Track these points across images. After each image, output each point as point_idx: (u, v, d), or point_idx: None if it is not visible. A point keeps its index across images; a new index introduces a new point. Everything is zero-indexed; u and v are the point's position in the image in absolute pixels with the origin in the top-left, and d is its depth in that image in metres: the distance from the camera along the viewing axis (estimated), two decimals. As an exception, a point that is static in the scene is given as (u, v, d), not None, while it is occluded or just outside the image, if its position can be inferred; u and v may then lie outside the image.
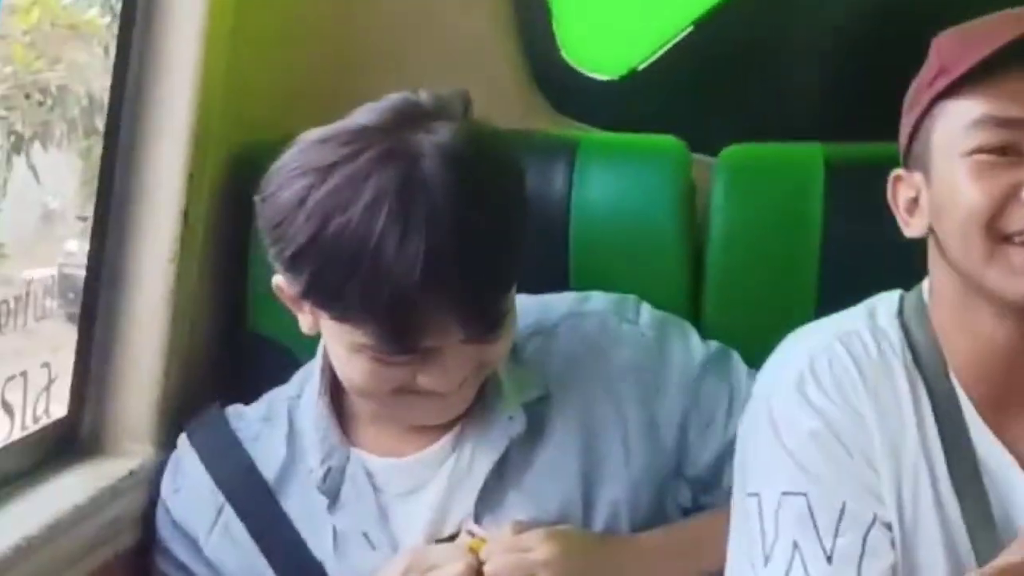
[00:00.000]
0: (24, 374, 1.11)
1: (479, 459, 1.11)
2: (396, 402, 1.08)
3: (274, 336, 1.24)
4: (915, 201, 1.04)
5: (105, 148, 1.16)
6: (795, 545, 1.02)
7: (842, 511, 1.02)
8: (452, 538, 1.08)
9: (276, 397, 1.18)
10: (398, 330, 1.00)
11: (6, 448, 1.10)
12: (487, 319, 1.03)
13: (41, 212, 1.39)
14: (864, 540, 1.00)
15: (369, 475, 1.12)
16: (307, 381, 1.15)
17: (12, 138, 1.29)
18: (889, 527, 1.01)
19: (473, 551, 1.05)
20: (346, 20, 1.42)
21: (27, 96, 1.29)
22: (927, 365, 1.06)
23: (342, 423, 1.13)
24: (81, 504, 1.08)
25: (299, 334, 1.09)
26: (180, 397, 1.19)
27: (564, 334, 1.18)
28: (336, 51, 1.36)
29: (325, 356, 1.10)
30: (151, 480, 1.14)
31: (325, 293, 1.01)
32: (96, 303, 1.16)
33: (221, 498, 1.11)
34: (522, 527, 1.05)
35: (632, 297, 1.22)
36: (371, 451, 1.13)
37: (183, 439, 1.13)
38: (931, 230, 1.03)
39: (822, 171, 1.33)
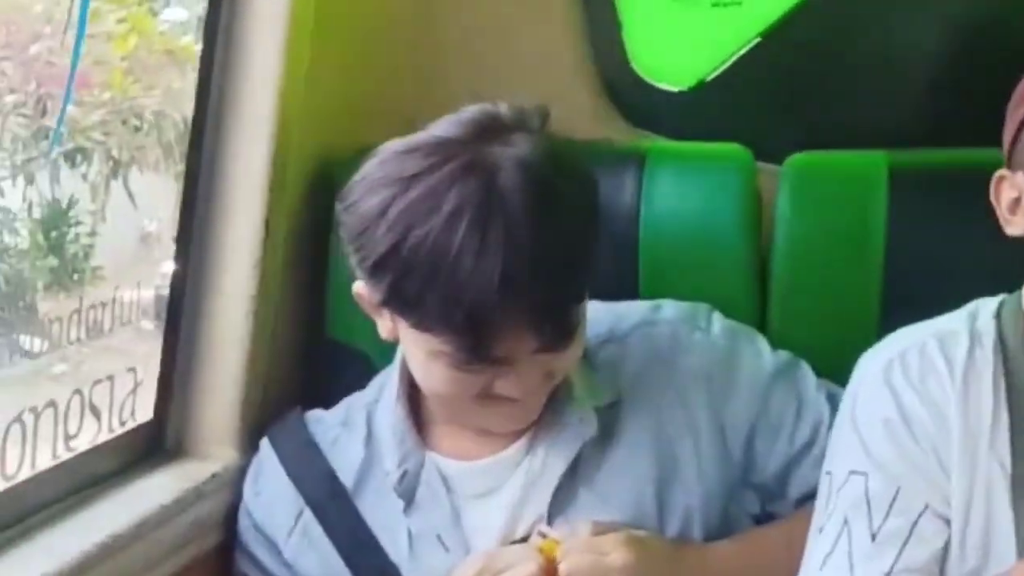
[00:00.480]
0: (111, 378, 1.14)
1: (552, 461, 1.12)
2: (471, 409, 1.09)
3: (353, 343, 1.27)
4: (1017, 201, 1.04)
5: (188, 162, 1.19)
6: (845, 521, 1.04)
7: (895, 495, 1.03)
8: (525, 540, 1.09)
9: (354, 402, 1.20)
10: (474, 340, 1.02)
11: (96, 450, 1.13)
12: (560, 330, 1.05)
13: (139, 235, 1.42)
14: (913, 526, 1.02)
15: (444, 478, 1.14)
16: (384, 387, 1.17)
17: (110, 163, 1.33)
18: (946, 519, 1.02)
19: (545, 552, 1.05)
20: (422, 32, 1.44)
21: (124, 122, 1.33)
22: (1014, 361, 1.06)
23: (418, 427, 1.15)
24: (166, 505, 1.11)
25: (377, 341, 1.12)
26: (262, 402, 1.21)
27: (636, 342, 1.19)
28: (412, 63, 1.39)
29: (403, 362, 1.13)
30: (234, 482, 1.17)
31: (404, 302, 1.03)
32: (180, 310, 1.19)
33: (301, 502, 1.14)
34: (600, 528, 1.06)
35: (704, 306, 1.23)
36: (446, 455, 1.14)
37: (264, 443, 1.16)
38: None
39: (886, 178, 1.33)
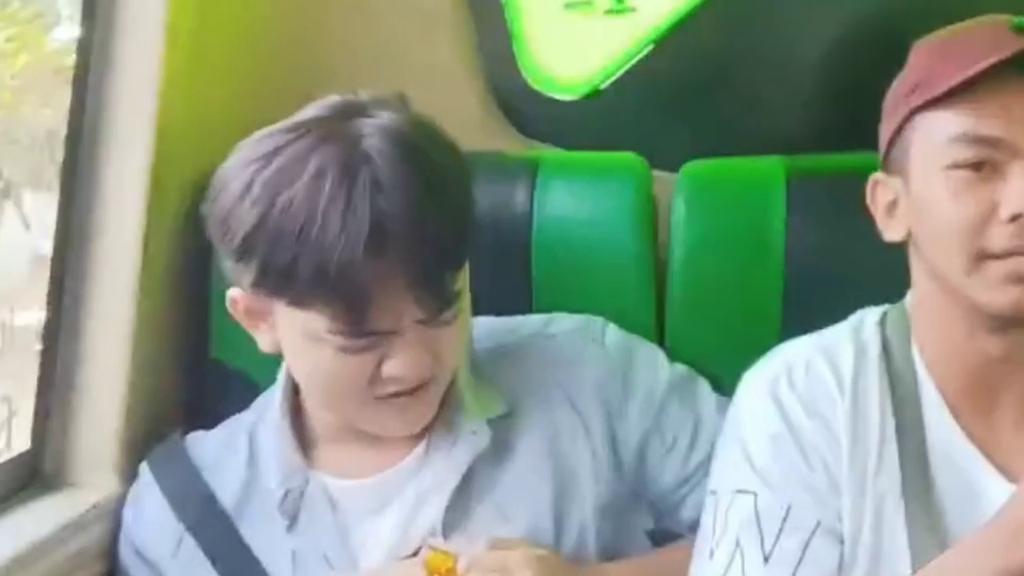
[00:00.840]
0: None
1: (444, 476, 1.12)
2: (364, 409, 1.09)
3: (237, 364, 1.26)
4: (894, 204, 1.06)
5: (63, 181, 1.16)
6: (737, 543, 1.04)
7: (787, 515, 1.04)
8: (415, 555, 1.08)
9: (236, 423, 1.20)
10: (352, 308, 1.01)
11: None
12: (439, 296, 1.05)
13: (32, 257, 1.43)
14: (805, 546, 1.03)
15: (329, 497, 1.13)
16: (267, 407, 1.17)
17: (1, 184, 1.32)
18: (839, 536, 1.03)
19: (432, 566, 1.05)
20: (306, 48, 1.44)
21: (15, 141, 1.32)
22: (898, 372, 1.08)
23: (303, 447, 1.14)
24: (45, 537, 1.09)
25: (261, 362, 1.11)
26: (144, 428, 1.19)
27: (529, 354, 1.19)
28: (296, 80, 1.37)
29: (287, 379, 1.13)
30: (115, 511, 1.15)
31: (277, 275, 1.02)
32: (58, 335, 1.16)
33: (181, 527, 1.12)
34: (499, 543, 1.05)
35: (599, 319, 1.24)
36: (332, 473, 1.14)
37: (143, 468, 1.15)
38: (910, 234, 1.05)
39: (783, 183, 1.34)
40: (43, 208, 1.38)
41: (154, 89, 1.18)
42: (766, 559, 1.03)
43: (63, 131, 1.22)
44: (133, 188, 1.17)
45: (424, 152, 1.03)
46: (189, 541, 1.13)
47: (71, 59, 1.25)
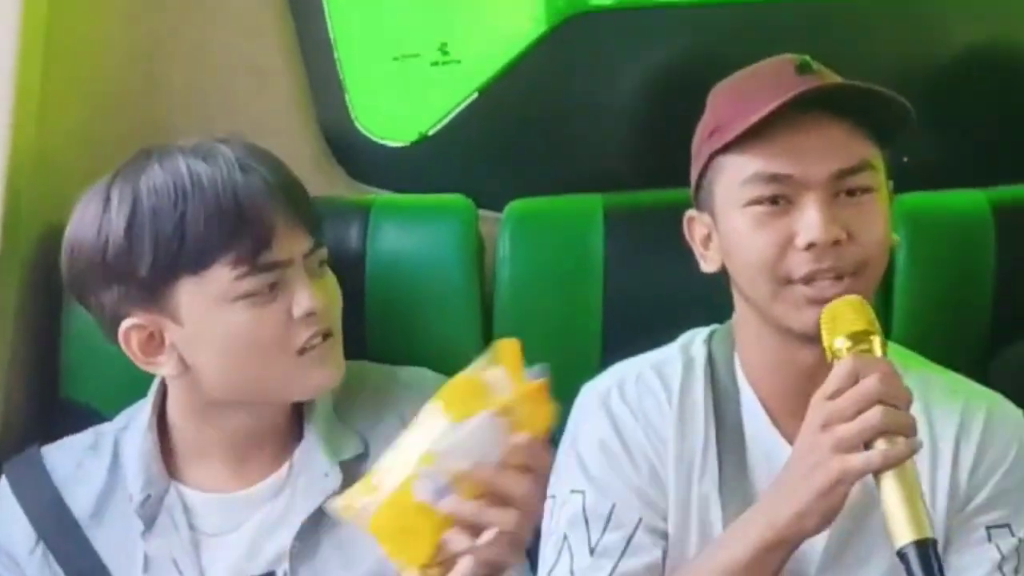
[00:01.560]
0: None
1: (296, 508, 1.22)
2: (287, 373, 1.20)
3: (85, 401, 1.36)
4: (708, 238, 1.18)
5: None
6: (565, 536, 1.15)
7: (611, 511, 1.14)
8: None
9: (103, 428, 1.29)
10: (248, 238, 1.15)
11: None
12: (313, 226, 1.21)
13: None
14: (628, 539, 1.14)
15: (186, 508, 1.23)
16: (134, 416, 1.27)
17: None
18: (662, 533, 1.14)
19: None
20: (148, 103, 1.55)
21: None
22: (721, 383, 1.20)
23: (167, 459, 1.24)
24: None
25: (109, 398, 1.26)
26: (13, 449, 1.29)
27: (385, 399, 1.30)
28: (140, 133, 1.46)
29: (157, 393, 1.24)
30: None
31: (169, 245, 1.14)
32: None
33: (35, 534, 1.24)
34: None
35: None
36: (192, 486, 1.24)
37: (2, 479, 1.26)
38: (726, 270, 1.18)
39: (601, 220, 1.48)
40: None
41: (4, 146, 1.28)
42: (591, 551, 1.13)
43: None
44: None
45: (261, 150, 1.22)
46: (43, 544, 1.24)
47: None
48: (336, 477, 1.23)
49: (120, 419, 1.30)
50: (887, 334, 1.44)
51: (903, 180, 1.45)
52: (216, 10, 1.68)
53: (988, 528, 1.21)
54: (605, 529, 1.16)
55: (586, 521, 1.16)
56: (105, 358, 1.33)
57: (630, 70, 1.73)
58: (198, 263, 1.17)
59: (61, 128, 1.43)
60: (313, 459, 1.24)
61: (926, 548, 1.01)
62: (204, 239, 1.17)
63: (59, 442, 1.30)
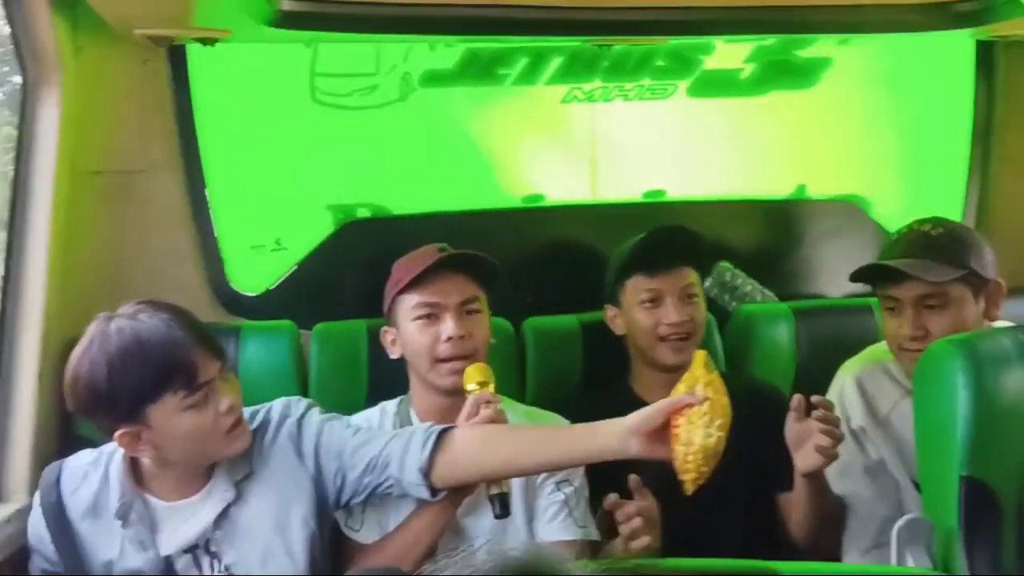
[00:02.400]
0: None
1: (212, 510, 1.68)
2: (216, 447, 1.62)
3: (88, 436, 1.95)
4: (395, 341, 1.91)
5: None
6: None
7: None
8: (195, 547, 1.66)
9: (103, 449, 1.73)
10: (184, 377, 1.54)
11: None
12: (218, 351, 1.62)
13: None
14: None
15: (149, 508, 1.67)
16: (114, 455, 1.70)
17: None
18: None
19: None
20: (111, 270, 2.29)
21: None
22: (402, 420, 1.92)
23: (136, 475, 1.67)
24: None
25: (106, 437, 1.68)
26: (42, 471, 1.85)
27: (259, 430, 1.72)
28: (109, 285, 2.22)
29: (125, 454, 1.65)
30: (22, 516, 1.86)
31: (138, 391, 1.54)
32: None
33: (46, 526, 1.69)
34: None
35: (296, 398, 1.78)
36: (153, 494, 1.68)
37: (41, 481, 1.75)
38: (404, 357, 1.89)
39: (365, 336, 2.22)
40: None
41: (39, 308, 2.06)
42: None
43: None
44: (32, 347, 2.09)
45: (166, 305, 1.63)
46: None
47: None
48: (231, 491, 1.67)
49: (111, 445, 1.68)
50: (522, 395, 2.19)
51: (527, 311, 2.40)
52: (146, 221, 2.38)
53: (556, 484, 1.85)
54: None
55: None
56: None
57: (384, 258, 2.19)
58: (156, 397, 1.55)
59: (73, 289, 2.15)
60: (220, 481, 1.68)
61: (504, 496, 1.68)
62: (158, 383, 1.54)
63: (75, 455, 1.72)
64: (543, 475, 1.85)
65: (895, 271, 1.96)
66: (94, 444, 1.91)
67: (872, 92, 2.92)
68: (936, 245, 1.97)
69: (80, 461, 1.74)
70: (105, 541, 1.69)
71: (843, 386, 2.05)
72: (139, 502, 1.68)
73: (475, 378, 1.81)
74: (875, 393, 2.00)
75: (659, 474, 1.63)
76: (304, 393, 2.22)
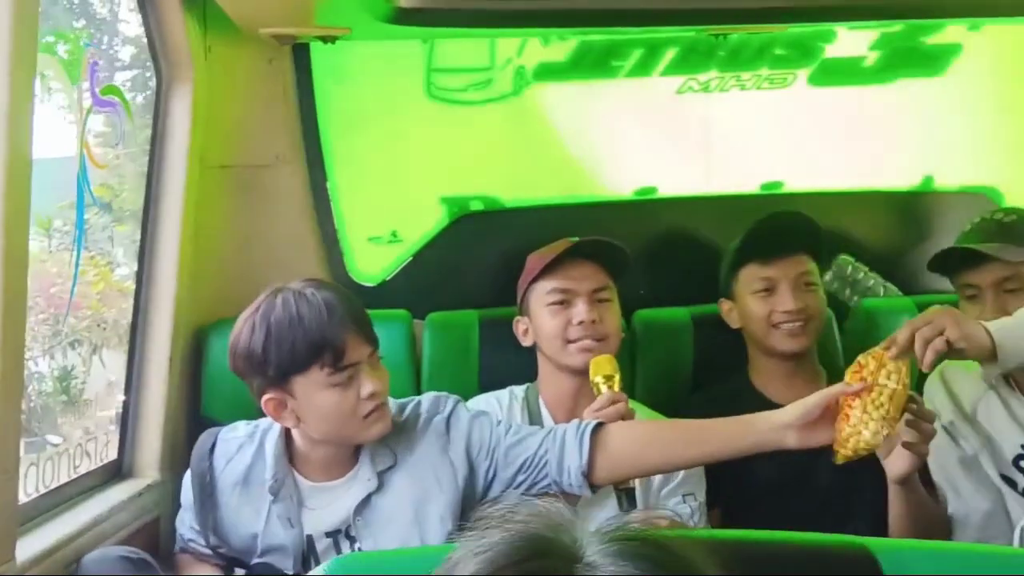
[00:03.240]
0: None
1: (355, 495, 1.73)
2: (355, 429, 1.66)
3: (214, 418, 2.16)
4: (527, 331, 1.97)
5: (132, 332, 2.20)
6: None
7: None
8: (336, 532, 1.72)
9: (258, 424, 1.78)
10: (331, 355, 1.60)
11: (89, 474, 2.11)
12: (372, 337, 1.65)
13: (106, 383, 2.29)
14: None
15: (298, 487, 1.75)
16: (272, 425, 1.75)
17: (92, 346, 2.26)
18: None
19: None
20: (244, 263, 2.41)
21: (98, 325, 2.27)
22: (530, 403, 1.99)
23: (290, 454, 1.74)
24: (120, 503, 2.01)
25: (226, 417, 1.93)
26: (173, 449, 2.17)
27: (406, 424, 1.75)
28: (242, 279, 2.29)
29: (281, 431, 1.73)
30: (162, 485, 2.12)
31: (287, 359, 1.60)
32: (129, 401, 2.18)
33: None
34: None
35: (444, 394, 1.80)
36: (302, 474, 1.75)
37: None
38: (536, 344, 1.96)
39: (477, 326, 2.33)
40: (111, 359, 2.30)
41: (171, 297, 2.20)
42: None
43: (124, 320, 2.22)
44: (164, 333, 2.22)
45: (328, 287, 1.70)
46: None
47: (125, 284, 2.24)
48: (374, 481, 1.71)
49: (265, 422, 1.75)
50: (632, 388, 2.21)
51: (639, 303, 2.42)
52: (271, 214, 2.49)
53: (684, 495, 1.89)
54: None
55: None
56: (230, 394, 2.08)
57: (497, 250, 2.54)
58: (303, 368, 1.62)
59: (201, 275, 2.28)
60: (363, 470, 1.72)
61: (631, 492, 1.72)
62: (307, 355, 1.61)
63: (231, 426, 1.79)
64: (659, 479, 1.88)
65: (971, 257, 1.94)
66: (220, 425, 1.99)
67: (1003, 80, 2.83)
68: (1009, 229, 1.97)
69: (236, 433, 1.81)
70: (251, 514, 1.76)
71: (929, 383, 2.03)
72: (290, 479, 1.75)
73: (603, 370, 1.82)
74: (960, 389, 1.96)
75: (789, 460, 1.65)
76: (417, 381, 2.30)
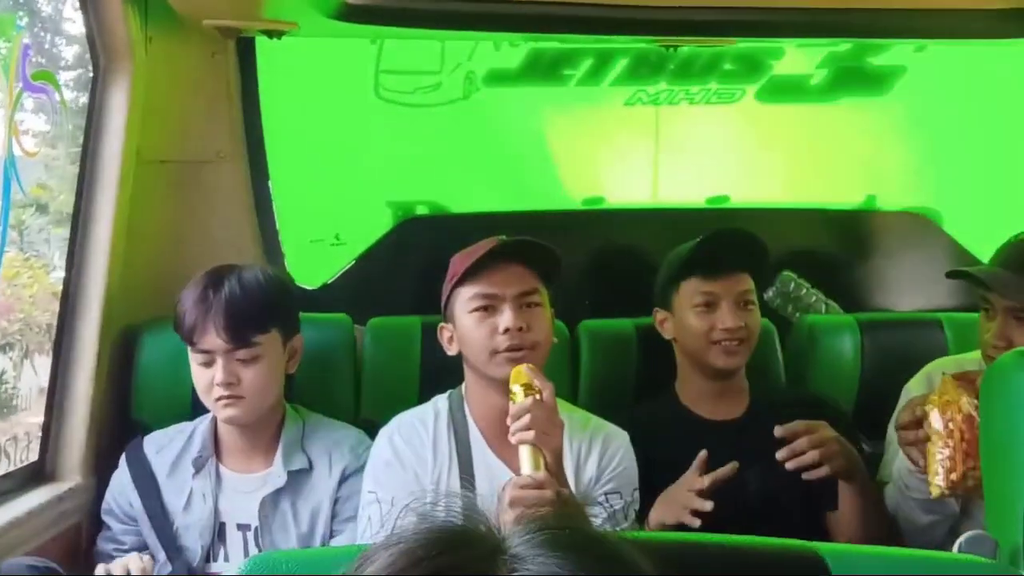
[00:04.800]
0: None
1: (265, 490, 1.91)
2: (205, 399, 1.89)
3: (142, 419, 2.18)
4: (451, 339, 1.90)
5: (57, 332, 2.14)
6: (370, 517, 1.81)
7: (392, 501, 1.79)
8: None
9: (187, 424, 2.01)
10: (189, 334, 1.84)
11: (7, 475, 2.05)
12: (236, 334, 1.83)
13: (38, 388, 2.25)
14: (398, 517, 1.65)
15: (219, 473, 1.94)
16: (204, 420, 1.99)
17: (23, 351, 2.23)
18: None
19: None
20: (174, 264, 2.35)
21: (30, 328, 2.25)
22: (455, 420, 1.89)
23: (215, 443, 1.95)
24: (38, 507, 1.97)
25: (158, 420, 2.03)
26: (98, 453, 2.12)
27: (335, 440, 1.97)
28: (171, 277, 2.26)
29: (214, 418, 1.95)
30: (85, 489, 2.07)
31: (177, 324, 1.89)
32: (52, 407, 2.12)
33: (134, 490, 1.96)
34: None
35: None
36: (224, 464, 1.96)
37: (123, 458, 1.99)
38: (461, 353, 1.85)
39: (419, 332, 2.29)
40: (43, 364, 2.24)
41: (100, 295, 2.14)
42: (382, 526, 1.71)
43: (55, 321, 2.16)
44: (93, 331, 2.15)
45: (249, 273, 1.92)
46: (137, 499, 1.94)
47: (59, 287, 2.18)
48: (283, 479, 1.88)
49: (199, 420, 1.97)
50: (575, 398, 2.21)
51: (584, 313, 2.42)
52: (209, 211, 2.42)
53: (606, 494, 1.85)
54: (389, 511, 1.74)
55: (380, 505, 1.79)
56: (161, 396, 2.11)
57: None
58: (188, 341, 1.88)
59: (133, 272, 2.24)
60: (276, 467, 1.90)
61: None
62: (184, 330, 1.88)
63: (163, 430, 1.98)
64: (590, 478, 1.85)
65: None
66: (150, 429, 2.08)
67: (947, 102, 2.89)
68: None
69: (165, 431, 2.02)
70: (177, 494, 1.94)
71: (906, 395, 2.04)
72: (213, 460, 1.95)
73: (521, 379, 1.73)
74: None
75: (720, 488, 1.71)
76: (357, 386, 2.26)
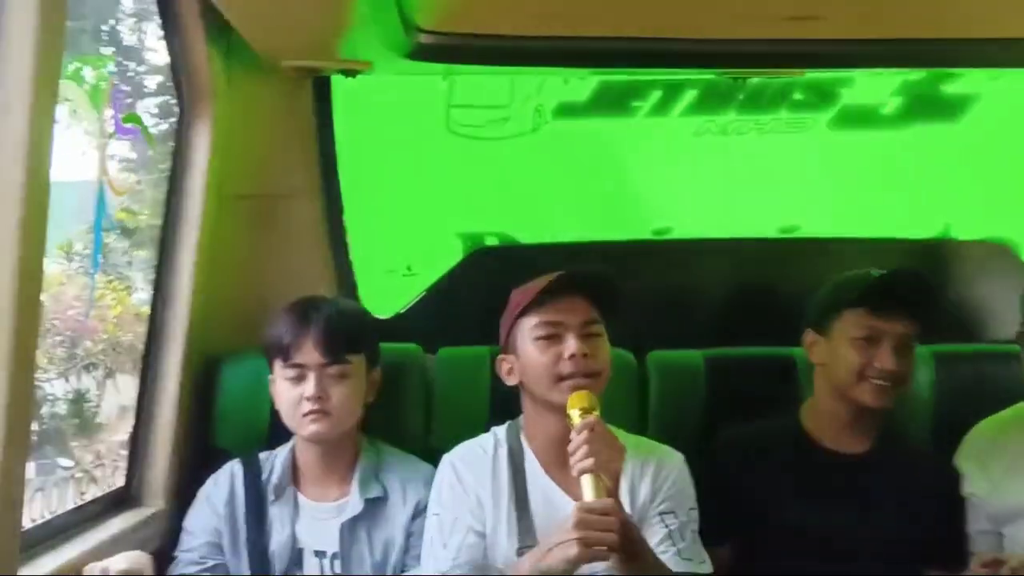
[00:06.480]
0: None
1: (342, 517, 1.97)
2: (288, 420, 1.96)
3: (227, 449, 2.20)
4: (511, 371, 1.93)
5: (144, 361, 2.22)
6: (431, 541, 1.89)
7: (454, 522, 1.87)
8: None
9: (274, 451, 2.07)
10: (285, 350, 1.94)
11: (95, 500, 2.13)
12: (331, 349, 1.93)
13: (120, 407, 2.34)
14: (464, 538, 1.84)
15: (296, 500, 2.01)
16: (281, 450, 2.06)
17: (106, 370, 2.30)
18: (483, 535, 1.84)
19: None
20: (256, 297, 2.39)
21: (114, 349, 2.32)
22: (512, 448, 1.93)
23: (294, 471, 2.02)
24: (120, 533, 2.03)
25: (238, 448, 2.07)
26: (180, 479, 2.19)
27: (410, 472, 2.04)
28: (255, 310, 2.30)
29: (293, 444, 2.03)
30: (168, 515, 2.13)
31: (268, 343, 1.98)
32: (139, 429, 2.19)
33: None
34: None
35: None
36: (301, 491, 2.03)
37: (236, 463, 2.07)
38: (522, 383, 1.91)
39: (488, 363, 2.22)
40: (125, 383, 2.31)
41: (184, 324, 2.22)
42: (444, 545, 1.84)
43: (140, 344, 2.23)
44: (176, 360, 2.22)
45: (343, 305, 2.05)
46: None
47: (142, 308, 2.24)
48: (359, 507, 1.96)
49: (277, 450, 2.05)
50: (643, 431, 2.13)
51: (652, 344, 2.40)
52: (287, 244, 2.50)
53: (661, 514, 1.88)
54: (451, 532, 1.85)
55: (441, 528, 1.88)
56: (242, 425, 2.17)
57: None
58: (273, 358, 1.98)
59: (215, 303, 2.30)
60: (354, 493, 1.98)
61: None
62: (275, 347, 1.98)
63: (264, 454, 2.04)
64: (645, 500, 1.88)
65: None
66: (230, 455, 2.13)
67: (1022, 130, 2.81)
68: None
69: (261, 456, 2.08)
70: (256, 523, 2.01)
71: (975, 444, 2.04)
72: (291, 489, 2.02)
73: (579, 404, 1.77)
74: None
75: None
76: (427, 414, 2.30)
